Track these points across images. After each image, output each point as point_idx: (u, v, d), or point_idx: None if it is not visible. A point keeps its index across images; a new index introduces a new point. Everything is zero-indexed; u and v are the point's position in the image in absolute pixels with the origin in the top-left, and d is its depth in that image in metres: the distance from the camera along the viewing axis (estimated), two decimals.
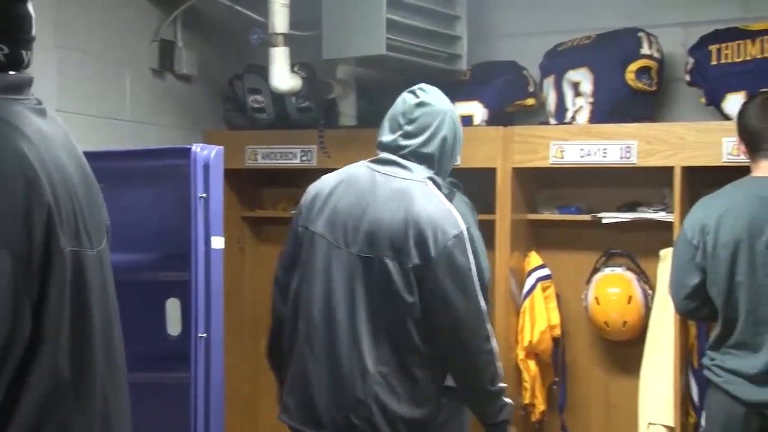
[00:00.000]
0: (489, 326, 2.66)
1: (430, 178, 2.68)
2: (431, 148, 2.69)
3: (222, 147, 2.99)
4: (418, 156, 2.68)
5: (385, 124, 2.76)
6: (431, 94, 2.74)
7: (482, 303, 2.63)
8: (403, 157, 2.68)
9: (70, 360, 1.48)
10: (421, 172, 2.67)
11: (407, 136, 2.68)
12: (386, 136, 2.73)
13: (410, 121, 2.69)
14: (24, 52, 1.51)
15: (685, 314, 3.35)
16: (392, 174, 2.66)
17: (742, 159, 3.54)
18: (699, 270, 3.10)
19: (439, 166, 2.73)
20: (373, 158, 2.75)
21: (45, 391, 1.44)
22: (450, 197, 2.88)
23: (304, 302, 2.67)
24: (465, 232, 2.60)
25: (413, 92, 2.73)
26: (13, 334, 1.39)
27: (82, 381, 1.52)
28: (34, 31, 1.53)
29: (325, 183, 2.76)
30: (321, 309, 2.63)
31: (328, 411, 2.60)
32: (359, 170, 2.73)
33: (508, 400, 2.74)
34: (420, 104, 2.69)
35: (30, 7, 1.52)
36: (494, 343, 2.67)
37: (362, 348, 2.57)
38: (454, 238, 2.57)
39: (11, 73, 1.51)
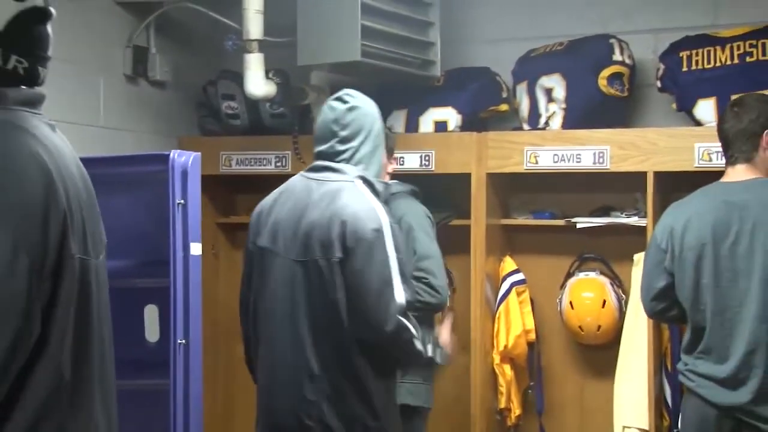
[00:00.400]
0: (403, 319, 2.66)
1: (361, 177, 2.78)
2: (367, 149, 2.81)
3: (199, 153, 2.99)
4: (355, 158, 2.80)
5: (317, 134, 2.86)
6: (359, 98, 2.86)
7: (399, 298, 2.65)
8: (340, 161, 2.79)
9: (70, 362, 1.50)
10: (352, 172, 2.78)
11: (344, 141, 2.80)
12: (321, 145, 2.83)
13: (344, 126, 2.80)
14: (40, 69, 1.61)
15: (653, 316, 3.37)
16: (324, 178, 2.78)
17: (714, 164, 3.59)
18: (667, 273, 3.13)
19: (373, 165, 2.83)
20: (307, 167, 2.88)
21: (46, 392, 1.47)
22: (386, 192, 2.95)
23: (258, 315, 2.80)
24: (386, 228, 2.68)
25: (340, 99, 2.84)
26: (23, 334, 1.42)
27: (80, 383, 1.54)
28: (50, 50, 1.63)
29: (268, 199, 2.89)
30: (269, 318, 2.76)
31: (283, 416, 2.71)
32: (296, 181, 2.87)
33: (438, 350, 2.88)
34: (351, 108, 2.81)
35: (50, 28, 1.62)
36: (412, 333, 2.68)
37: (306, 350, 2.67)
38: (374, 232, 2.65)
39: (24, 87, 1.59)
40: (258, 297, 2.80)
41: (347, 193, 2.73)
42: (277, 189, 2.92)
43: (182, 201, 2.83)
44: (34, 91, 1.61)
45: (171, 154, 2.85)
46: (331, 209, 2.70)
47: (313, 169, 2.85)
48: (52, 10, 1.64)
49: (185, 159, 2.87)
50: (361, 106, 2.84)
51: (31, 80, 1.61)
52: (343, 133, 2.79)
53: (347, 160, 2.79)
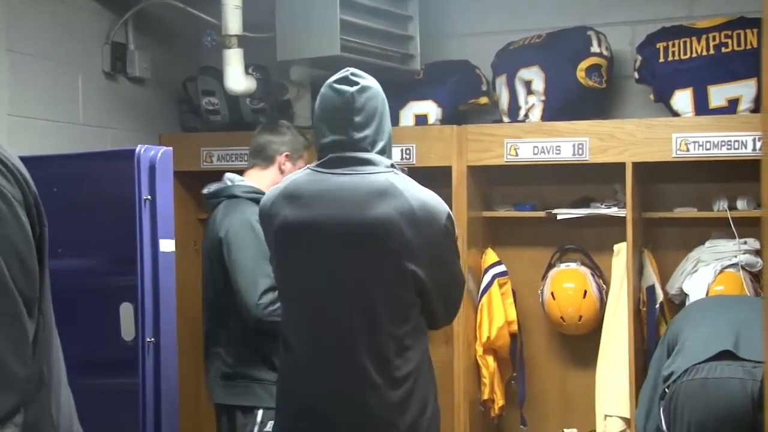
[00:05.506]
0: None
1: (392, 166, 2.50)
2: (384, 132, 2.51)
3: (170, 148, 2.98)
4: (378, 146, 2.48)
5: (322, 124, 2.50)
6: (366, 77, 2.52)
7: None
8: (358, 150, 2.47)
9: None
10: (382, 161, 2.48)
11: (360, 127, 2.46)
12: (332, 136, 2.48)
13: (358, 111, 2.45)
14: None
15: None
16: (354, 172, 2.45)
17: (692, 154, 3.61)
18: None
19: (390, 150, 2.56)
20: (319, 162, 2.52)
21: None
22: None
23: (300, 328, 2.51)
24: (451, 213, 2.50)
25: (347, 80, 2.48)
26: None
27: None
28: None
29: (276, 202, 2.52)
30: (319, 327, 2.47)
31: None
32: (317, 178, 2.49)
33: None
34: (362, 90, 2.47)
35: None
36: None
37: (363, 357, 2.42)
38: (448, 220, 2.46)
39: None
40: (291, 308, 2.54)
41: (398, 184, 2.42)
42: (280, 189, 2.53)
43: (149, 197, 2.81)
44: None
45: (137, 149, 2.83)
46: (392, 204, 2.39)
47: (330, 164, 2.48)
48: None
49: (153, 153, 2.84)
50: (372, 85, 2.50)
51: None
52: (359, 119, 2.44)
53: (363, 149, 2.46)
